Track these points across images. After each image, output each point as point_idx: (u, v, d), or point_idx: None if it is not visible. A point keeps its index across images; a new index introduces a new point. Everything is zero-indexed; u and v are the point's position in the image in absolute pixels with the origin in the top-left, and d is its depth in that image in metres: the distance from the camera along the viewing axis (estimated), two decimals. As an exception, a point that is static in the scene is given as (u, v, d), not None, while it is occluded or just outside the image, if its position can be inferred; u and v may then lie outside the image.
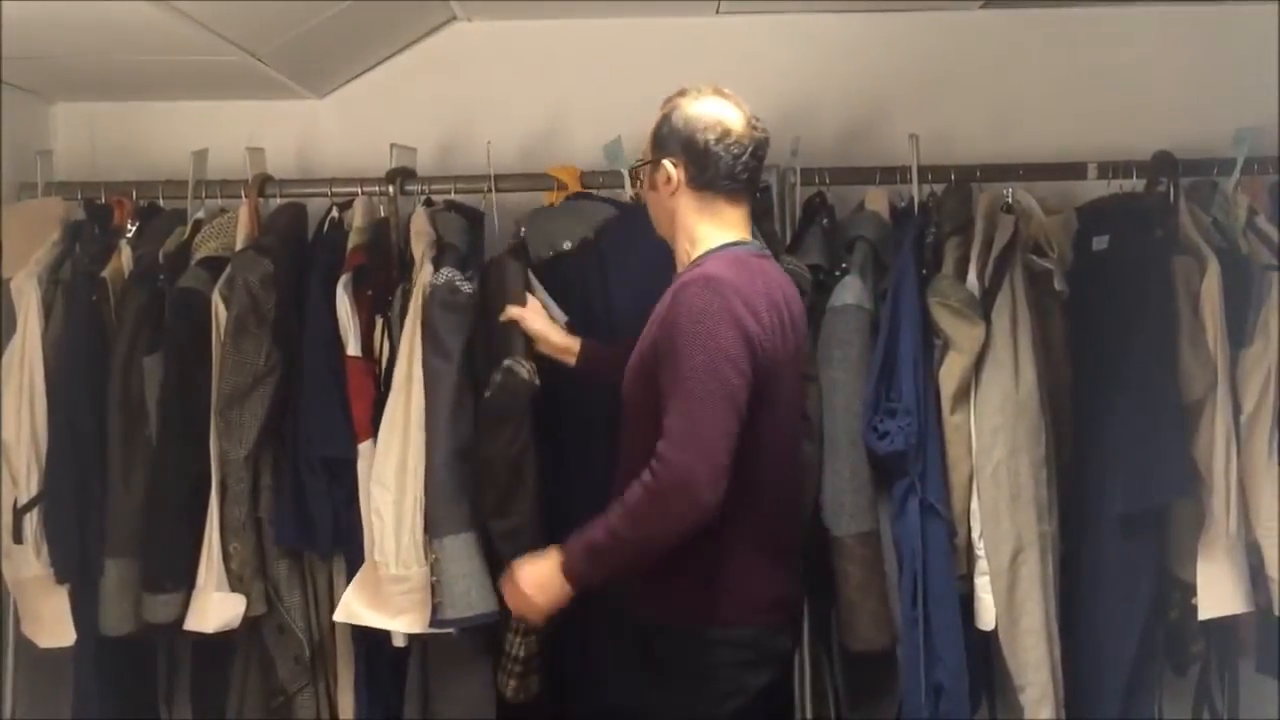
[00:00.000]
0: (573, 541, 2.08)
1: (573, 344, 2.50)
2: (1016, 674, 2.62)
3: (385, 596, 2.56)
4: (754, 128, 2.17)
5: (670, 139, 2.18)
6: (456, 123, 3.07)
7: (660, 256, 2.27)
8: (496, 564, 2.44)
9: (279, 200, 2.88)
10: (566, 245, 2.69)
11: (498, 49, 3.12)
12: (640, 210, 2.50)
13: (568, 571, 2.06)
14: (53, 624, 2.71)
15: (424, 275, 2.62)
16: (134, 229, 2.83)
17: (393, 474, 2.54)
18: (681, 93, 2.21)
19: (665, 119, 2.20)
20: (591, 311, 2.64)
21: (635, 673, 2.16)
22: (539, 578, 2.10)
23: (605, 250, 2.69)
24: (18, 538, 2.70)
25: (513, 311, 2.51)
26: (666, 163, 2.18)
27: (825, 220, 2.80)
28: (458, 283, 2.57)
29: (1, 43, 2.46)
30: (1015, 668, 2.62)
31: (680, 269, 2.19)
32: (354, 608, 2.60)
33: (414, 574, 2.53)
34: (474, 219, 2.81)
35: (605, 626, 2.35)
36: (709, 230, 2.18)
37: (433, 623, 2.50)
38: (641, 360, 2.14)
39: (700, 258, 2.15)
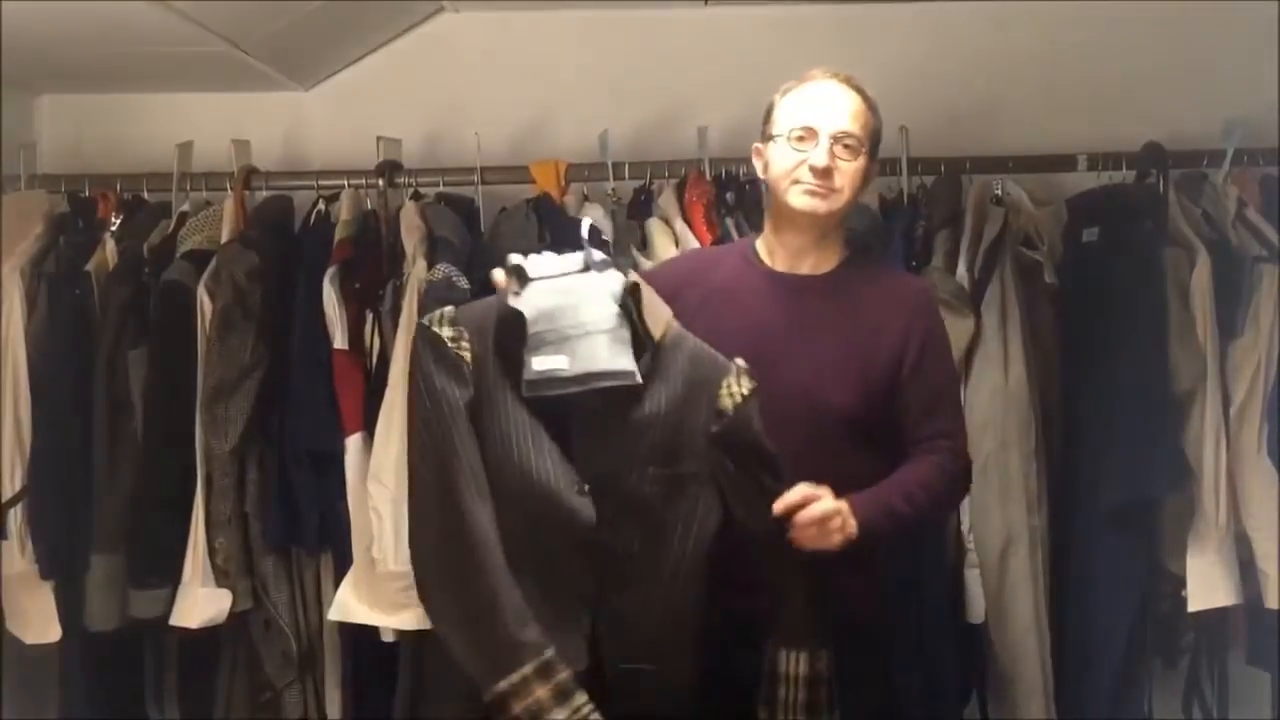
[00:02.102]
0: (866, 498, 1.99)
1: None
2: (1007, 667, 2.62)
3: (383, 593, 2.54)
4: None
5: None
6: (444, 114, 3.05)
7: None
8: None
9: (265, 193, 2.86)
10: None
11: (486, 40, 3.10)
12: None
13: (862, 522, 1.97)
14: (39, 620, 2.70)
15: (418, 270, 2.61)
16: (118, 222, 2.81)
17: (391, 470, 2.52)
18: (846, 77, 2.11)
19: (876, 112, 2.11)
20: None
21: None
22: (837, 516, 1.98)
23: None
24: (2, 533, 2.69)
25: None
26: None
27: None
28: (455, 279, 2.56)
29: (1, 40, 2.44)
30: (1005, 661, 2.62)
31: (823, 255, 2.14)
32: (350, 605, 2.58)
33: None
34: (466, 210, 2.80)
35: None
36: None
37: None
38: (881, 374, 2.07)
39: (861, 257, 2.21)
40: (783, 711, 1.98)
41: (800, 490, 1.94)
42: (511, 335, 1.85)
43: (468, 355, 1.85)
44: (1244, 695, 2.88)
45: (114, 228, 2.80)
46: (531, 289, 1.87)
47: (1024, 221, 2.76)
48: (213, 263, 2.67)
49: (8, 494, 2.69)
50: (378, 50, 3.11)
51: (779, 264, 2.15)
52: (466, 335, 1.86)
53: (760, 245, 2.19)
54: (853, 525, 1.96)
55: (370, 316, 2.67)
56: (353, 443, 2.62)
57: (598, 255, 1.92)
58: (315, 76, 3.10)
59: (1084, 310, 2.73)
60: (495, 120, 2.96)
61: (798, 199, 2.07)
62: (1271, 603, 2.68)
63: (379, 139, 2.82)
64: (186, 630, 2.61)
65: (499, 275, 1.94)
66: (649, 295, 1.93)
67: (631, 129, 2.95)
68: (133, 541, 2.63)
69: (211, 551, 2.60)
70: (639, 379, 1.86)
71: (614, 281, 1.90)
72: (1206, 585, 2.67)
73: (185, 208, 2.83)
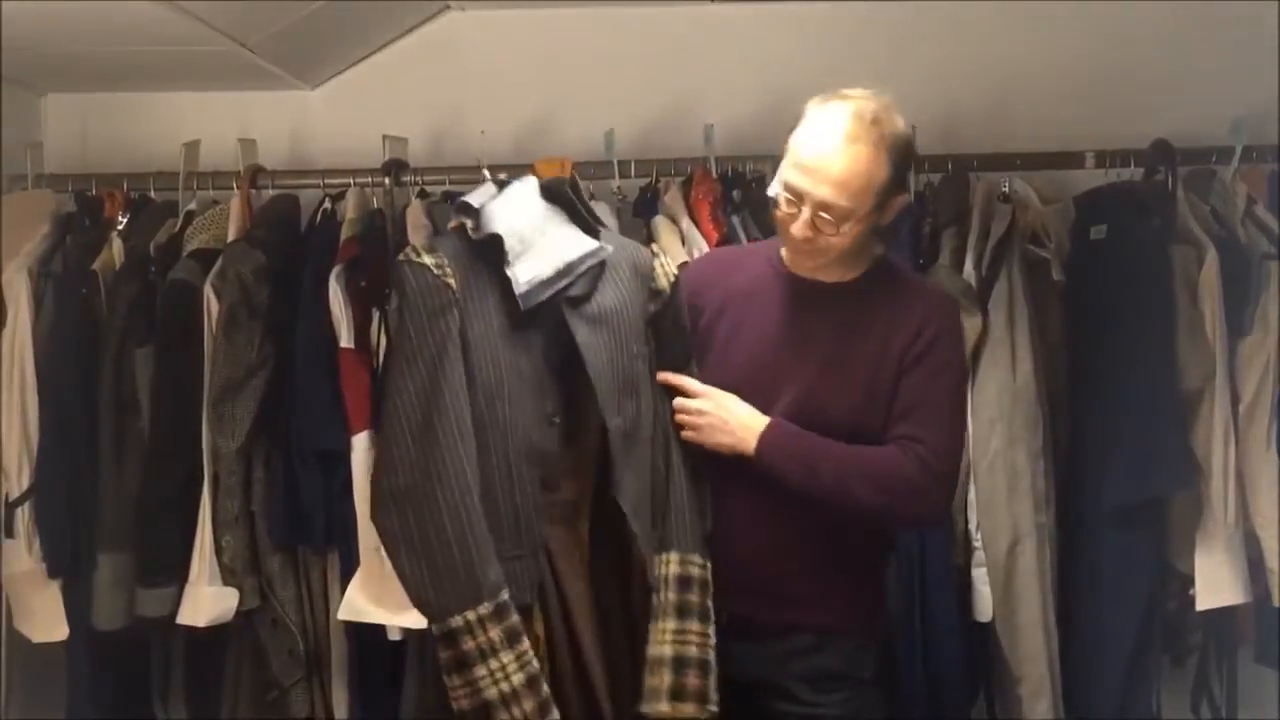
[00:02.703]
0: (789, 433, 2.00)
1: None
2: (1014, 666, 2.61)
3: (392, 592, 2.52)
4: None
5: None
6: (450, 112, 3.05)
7: None
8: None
9: (271, 192, 2.86)
10: None
11: (491, 38, 3.10)
12: None
13: (764, 446, 1.99)
14: (45, 619, 2.70)
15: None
16: (125, 221, 2.81)
17: None
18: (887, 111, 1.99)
19: (886, 159, 1.96)
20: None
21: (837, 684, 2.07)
22: (742, 422, 2.01)
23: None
24: (9, 532, 2.69)
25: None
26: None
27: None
28: None
29: (1, 39, 2.43)
30: (1012, 659, 2.61)
31: (848, 263, 2.07)
32: (358, 605, 2.58)
33: None
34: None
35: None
36: None
37: None
38: (886, 385, 2.02)
39: (889, 262, 2.12)
40: (657, 616, 2.00)
41: (683, 378, 2.05)
42: (492, 260, 1.94)
43: (453, 282, 1.91)
44: (1252, 694, 2.87)
45: (120, 227, 2.80)
46: (487, 215, 1.96)
47: (1031, 219, 2.75)
48: (219, 261, 2.67)
49: (15, 493, 2.69)
50: (384, 49, 3.11)
51: (803, 269, 2.10)
52: (448, 262, 1.92)
53: (785, 250, 2.13)
54: (741, 440, 2.00)
55: (376, 315, 2.66)
56: (359, 441, 2.61)
57: (501, 175, 2.09)
58: (321, 75, 3.10)
59: (1092, 308, 2.72)
60: (501, 118, 2.96)
61: (788, 253, 2.08)
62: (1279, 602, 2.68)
63: (385, 138, 2.82)
64: (193, 629, 2.61)
65: (452, 221, 2.06)
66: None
67: (637, 127, 2.95)
68: (139, 540, 2.63)
69: (218, 550, 2.60)
70: (609, 249, 2.01)
71: (529, 185, 2.04)
72: (1215, 583, 2.66)
73: (192, 206, 2.84)
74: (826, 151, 1.94)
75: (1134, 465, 2.60)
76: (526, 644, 1.85)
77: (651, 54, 3.08)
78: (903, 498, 2.01)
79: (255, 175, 2.85)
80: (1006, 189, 2.77)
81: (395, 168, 2.81)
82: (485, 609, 1.82)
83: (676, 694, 1.97)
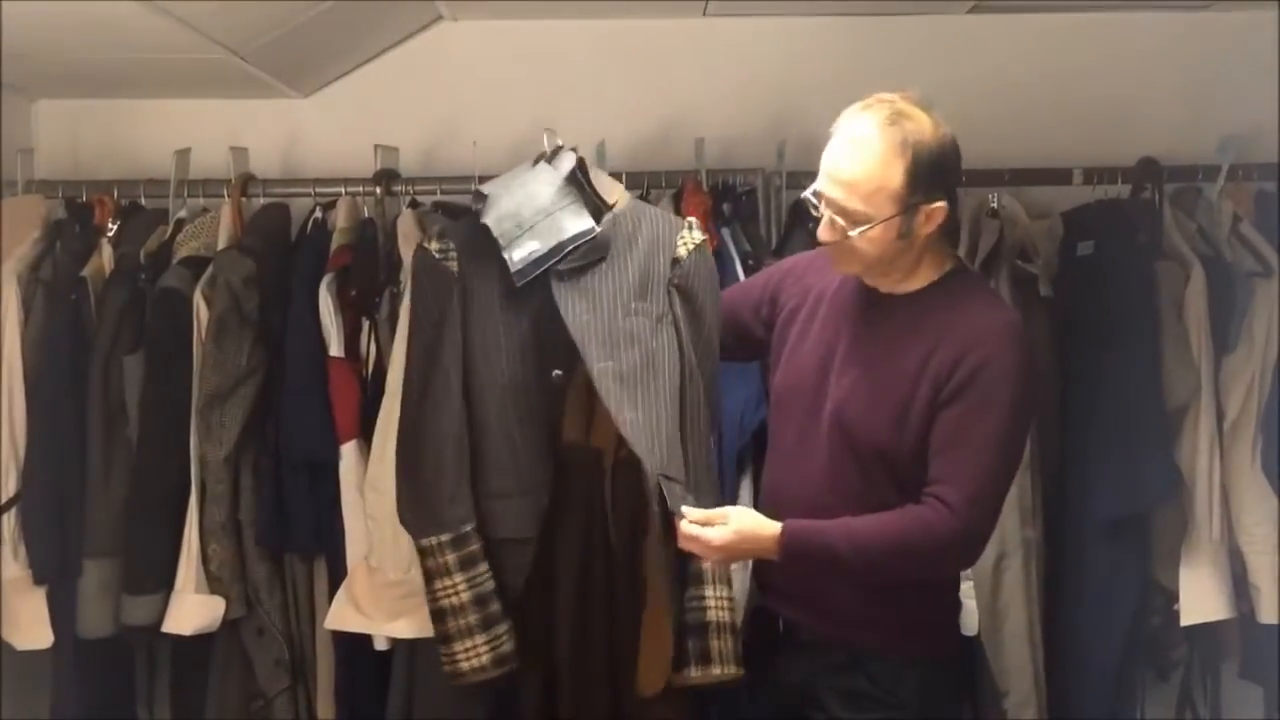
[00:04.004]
0: (803, 530, 1.95)
1: None
2: (999, 679, 2.62)
3: (379, 601, 2.54)
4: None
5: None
6: (442, 123, 3.05)
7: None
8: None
9: (262, 200, 2.86)
10: None
11: (484, 49, 3.11)
12: None
13: (785, 551, 1.95)
14: (30, 626, 2.69)
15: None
16: (115, 228, 2.80)
17: (389, 478, 2.50)
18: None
19: (902, 157, 1.90)
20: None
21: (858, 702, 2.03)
22: (753, 541, 1.96)
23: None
24: (-5, 538, 2.68)
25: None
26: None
27: (811, 224, 2.78)
28: None
29: (1, 43, 2.43)
30: (998, 673, 2.62)
31: (910, 274, 2.00)
32: (345, 614, 2.58)
33: (413, 578, 2.51)
34: (462, 218, 2.80)
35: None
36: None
37: None
38: (922, 406, 1.92)
39: (962, 274, 2.03)
40: (706, 581, 2.19)
41: (700, 512, 2.00)
42: (487, 244, 2.17)
43: (454, 266, 2.21)
44: (1236, 708, 2.88)
45: (110, 233, 2.79)
46: (491, 201, 2.21)
47: (1020, 234, 2.77)
48: (209, 269, 2.67)
49: (1, 498, 2.68)
50: (376, 59, 3.11)
51: (869, 279, 2.04)
52: (452, 247, 2.21)
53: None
54: (764, 553, 1.99)
55: (366, 324, 2.67)
56: (348, 450, 2.62)
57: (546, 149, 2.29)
58: (314, 84, 3.10)
59: (1078, 323, 2.73)
60: (493, 129, 2.95)
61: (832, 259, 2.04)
62: (1264, 618, 2.69)
63: (376, 147, 2.83)
64: (179, 637, 2.61)
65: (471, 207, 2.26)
66: (595, 171, 2.29)
67: (629, 139, 2.96)
68: (126, 547, 2.62)
69: (205, 558, 2.59)
70: (598, 229, 2.19)
71: (561, 163, 2.25)
72: (1200, 599, 2.68)
73: (182, 214, 2.83)
74: (838, 153, 1.94)
75: (1120, 480, 2.61)
76: (482, 569, 2.18)
77: (643, 66, 3.09)
78: (930, 560, 1.95)
79: (246, 183, 2.85)
80: (995, 204, 2.79)
81: (386, 177, 2.82)
82: (445, 537, 2.17)
83: (726, 656, 2.20)
